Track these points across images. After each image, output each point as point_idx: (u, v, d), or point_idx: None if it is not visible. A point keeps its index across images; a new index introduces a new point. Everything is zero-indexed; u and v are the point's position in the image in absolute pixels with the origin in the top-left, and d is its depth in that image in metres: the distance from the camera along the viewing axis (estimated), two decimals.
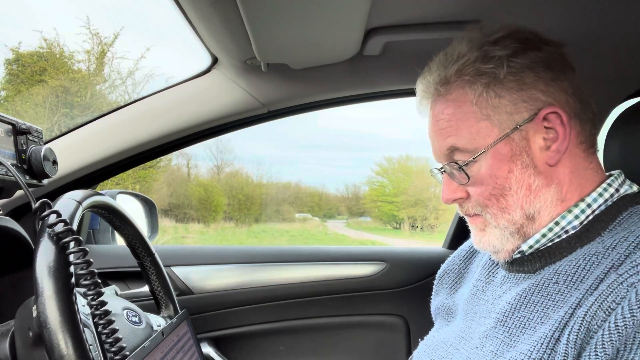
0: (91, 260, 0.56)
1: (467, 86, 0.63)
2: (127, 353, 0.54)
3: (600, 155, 0.76)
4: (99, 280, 0.56)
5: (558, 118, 0.60)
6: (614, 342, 0.47)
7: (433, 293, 0.89)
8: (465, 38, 0.65)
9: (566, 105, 0.61)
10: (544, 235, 0.62)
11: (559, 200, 0.62)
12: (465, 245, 0.88)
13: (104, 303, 0.55)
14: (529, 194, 0.62)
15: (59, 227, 0.55)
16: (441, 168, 0.68)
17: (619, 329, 0.47)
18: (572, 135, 0.61)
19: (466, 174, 0.63)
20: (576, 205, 0.62)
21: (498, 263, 0.72)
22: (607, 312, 0.49)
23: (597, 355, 0.48)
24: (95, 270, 0.55)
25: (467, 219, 0.70)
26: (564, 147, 0.61)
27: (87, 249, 0.56)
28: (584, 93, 0.64)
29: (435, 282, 0.89)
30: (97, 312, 0.55)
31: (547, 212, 0.62)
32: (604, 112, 1.15)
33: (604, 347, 0.48)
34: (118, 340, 0.54)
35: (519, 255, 0.65)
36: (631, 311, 0.47)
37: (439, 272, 0.88)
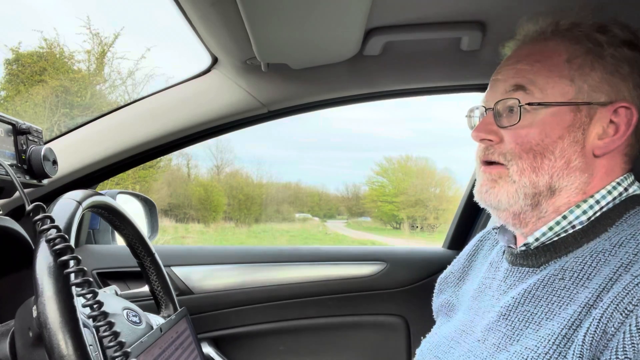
0: (85, 268, 0.55)
1: (571, 42, 0.63)
2: (128, 350, 0.54)
3: None
4: (92, 280, 0.55)
5: (628, 116, 0.60)
6: (636, 345, 0.46)
7: (436, 291, 0.88)
8: (589, 8, 0.64)
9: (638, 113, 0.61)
10: (551, 229, 0.62)
11: (581, 190, 0.62)
12: (469, 245, 0.88)
13: (100, 303, 0.54)
14: (565, 168, 0.61)
15: (52, 233, 0.55)
16: (493, 105, 0.64)
17: None
18: (625, 140, 0.61)
19: (520, 115, 0.61)
20: (585, 201, 0.61)
21: (503, 257, 0.72)
22: (624, 314, 0.49)
23: (617, 358, 0.47)
24: (86, 269, 0.55)
25: (481, 166, 0.67)
26: (616, 145, 0.61)
27: (79, 257, 0.56)
28: None
29: (438, 281, 0.89)
30: (95, 314, 0.54)
31: (567, 194, 0.62)
32: None
33: (625, 350, 0.47)
34: (117, 334, 0.54)
35: (524, 249, 0.65)
36: None
37: (445, 273, 0.88)
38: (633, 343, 0.46)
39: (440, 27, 0.92)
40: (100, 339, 0.53)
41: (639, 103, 0.62)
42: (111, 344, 0.52)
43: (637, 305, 0.48)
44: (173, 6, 0.84)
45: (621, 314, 0.49)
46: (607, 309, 0.50)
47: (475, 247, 0.85)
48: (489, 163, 0.66)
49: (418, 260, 1.45)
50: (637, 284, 0.50)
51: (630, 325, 0.47)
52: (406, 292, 1.42)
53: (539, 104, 0.61)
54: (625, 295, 0.50)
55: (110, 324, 0.54)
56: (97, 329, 0.53)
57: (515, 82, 0.63)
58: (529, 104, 0.61)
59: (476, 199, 0.69)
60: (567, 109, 0.61)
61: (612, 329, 0.49)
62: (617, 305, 0.50)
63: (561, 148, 0.61)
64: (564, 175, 0.61)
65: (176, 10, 0.86)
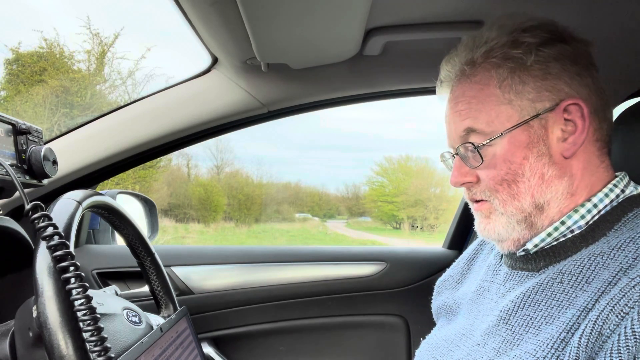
0: (80, 271, 0.55)
1: (493, 69, 0.63)
2: (112, 355, 0.53)
3: None
4: (83, 274, 0.55)
5: (579, 110, 0.61)
6: (630, 348, 0.46)
7: (435, 293, 0.89)
8: (495, 25, 0.65)
9: (588, 100, 0.61)
10: (549, 235, 0.62)
11: (569, 193, 0.62)
12: (469, 249, 0.88)
13: (89, 298, 0.54)
14: (541, 183, 0.62)
15: (49, 231, 0.55)
16: (455, 150, 0.67)
17: (635, 334, 0.46)
18: (589, 131, 0.61)
19: (480, 156, 0.63)
20: (583, 205, 0.62)
21: (502, 261, 0.72)
22: (619, 317, 0.49)
23: None
24: (86, 284, 0.54)
25: (472, 205, 0.69)
26: (581, 140, 0.61)
27: (74, 253, 0.56)
28: (605, 93, 0.64)
29: (437, 284, 0.89)
30: (83, 308, 0.53)
31: (557, 204, 0.62)
32: None
33: (619, 352, 0.47)
34: (104, 339, 0.53)
35: (523, 253, 0.65)
36: None
37: (444, 275, 0.89)
38: (627, 345, 0.46)
39: (440, 27, 0.92)
40: (88, 342, 0.52)
41: (583, 90, 0.62)
42: (96, 348, 0.52)
43: (632, 308, 0.48)
44: (173, 6, 0.84)
45: (617, 316, 0.49)
46: (602, 311, 0.50)
47: (475, 251, 0.86)
48: (478, 201, 0.68)
49: (418, 260, 1.45)
50: (633, 287, 0.50)
51: (625, 327, 0.47)
52: (406, 292, 1.42)
53: (490, 140, 0.62)
54: (621, 298, 0.50)
55: (99, 329, 0.53)
56: (85, 332, 0.52)
57: (463, 127, 0.65)
58: (483, 144, 0.63)
59: (479, 236, 0.70)
60: (519, 130, 0.62)
61: (608, 331, 0.49)
62: (613, 307, 0.50)
63: (530, 167, 0.61)
64: (544, 190, 0.62)
65: (176, 10, 0.86)
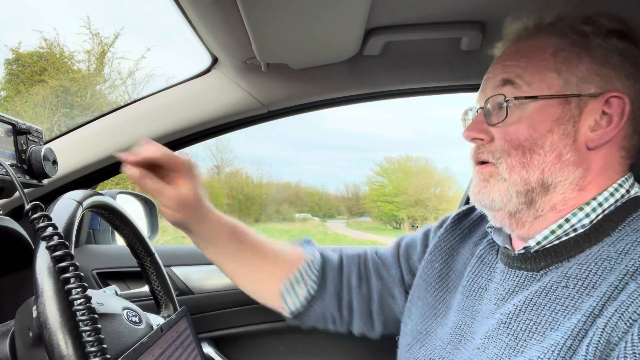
0: (79, 270, 0.55)
1: (556, 36, 0.62)
2: (108, 356, 0.53)
3: None
4: (82, 274, 0.55)
5: (620, 106, 0.59)
6: (637, 356, 0.45)
7: (428, 260, 0.81)
8: (574, 2, 0.63)
9: (634, 103, 0.60)
10: (552, 232, 0.60)
11: (577, 186, 0.60)
12: (452, 220, 0.83)
13: (88, 297, 0.54)
14: (556, 162, 0.60)
15: (49, 231, 0.55)
16: (486, 100, 0.64)
17: None
18: (620, 132, 0.60)
19: (507, 111, 0.61)
20: (588, 204, 0.60)
21: (497, 258, 0.70)
22: (628, 324, 0.47)
23: None
24: (85, 285, 0.54)
25: (473, 167, 0.67)
26: (609, 136, 0.59)
27: (73, 253, 0.56)
28: None
29: (430, 251, 0.82)
30: (81, 307, 0.53)
31: (562, 191, 0.60)
32: None
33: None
34: (101, 340, 0.53)
35: (523, 252, 0.63)
36: None
37: (433, 245, 0.82)
38: (634, 352, 0.45)
39: (440, 27, 0.92)
40: (85, 343, 0.52)
41: (633, 93, 0.60)
42: (92, 348, 0.52)
43: None
44: (173, 6, 0.84)
45: (625, 323, 0.47)
46: (611, 317, 0.49)
47: (464, 227, 0.81)
48: (482, 163, 0.65)
49: None
50: None
51: (632, 334, 0.46)
52: None
53: (525, 97, 0.60)
54: (630, 304, 0.48)
55: (97, 329, 0.53)
56: (83, 332, 0.52)
57: (503, 77, 0.63)
58: (515, 98, 0.61)
59: (471, 201, 0.68)
60: (555, 101, 0.60)
61: (616, 338, 0.48)
62: (622, 314, 0.48)
63: (551, 142, 0.59)
64: (556, 170, 0.60)
65: (176, 10, 0.86)
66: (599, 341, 0.48)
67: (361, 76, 1.14)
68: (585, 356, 0.49)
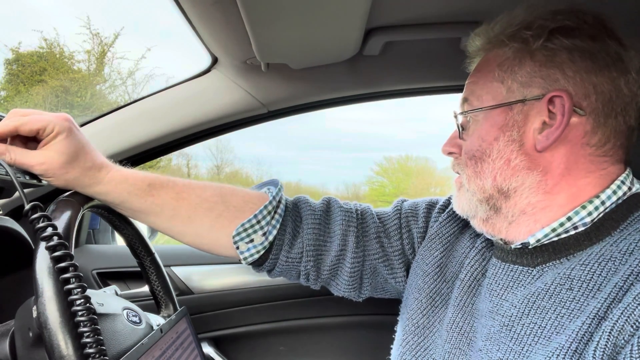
0: (79, 271, 0.55)
1: (501, 47, 0.64)
2: (106, 358, 0.53)
3: None
4: (82, 274, 0.55)
5: (562, 103, 0.58)
6: None
7: (426, 247, 0.79)
8: (527, 3, 0.63)
9: (584, 99, 0.58)
10: (553, 230, 0.59)
11: (540, 189, 0.60)
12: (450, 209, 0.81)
13: (88, 298, 0.54)
14: (506, 168, 0.61)
15: (48, 231, 0.55)
16: (455, 118, 0.69)
17: None
18: (575, 131, 0.58)
19: (468, 126, 0.65)
20: (590, 202, 0.58)
21: (490, 250, 0.69)
22: (635, 327, 0.47)
23: None
24: (85, 285, 0.54)
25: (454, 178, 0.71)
26: (555, 136, 0.58)
27: (72, 253, 0.56)
28: (625, 104, 0.59)
29: (429, 237, 0.80)
30: (80, 308, 0.53)
31: (525, 195, 0.60)
32: None
33: None
34: (100, 342, 0.53)
35: (520, 246, 0.62)
36: None
37: (433, 230, 0.80)
38: None
39: (440, 27, 0.92)
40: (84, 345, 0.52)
41: (581, 88, 0.58)
42: (90, 350, 0.52)
43: None
44: (173, 6, 0.84)
45: (632, 326, 0.47)
46: (617, 320, 0.48)
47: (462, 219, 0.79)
48: (457, 174, 0.69)
49: None
50: None
51: (638, 337, 0.46)
52: None
53: (471, 110, 0.63)
54: (637, 307, 0.48)
55: (96, 330, 0.53)
56: (82, 334, 0.52)
57: (463, 96, 0.67)
58: (462, 113, 0.64)
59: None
60: (498, 110, 0.61)
61: (622, 341, 0.47)
62: (628, 317, 0.48)
63: (497, 149, 0.61)
64: (508, 177, 0.61)
65: (176, 10, 0.86)
66: (606, 345, 0.48)
67: (361, 76, 1.14)
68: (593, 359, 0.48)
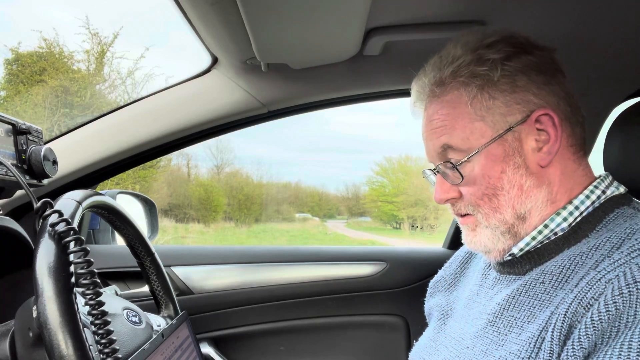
0: (92, 260, 0.56)
1: (461, 87, 0.64)
2: (120, 356, 0.54)
3: (600, 155, 0.76)
4: (99, 281, 0.56)
5: (550, 120, 0.62)
6: (590, 337, 0.49)
7: (427, 295, 0.90)
8: (460, 42, 0.66)
9: (557, 108, 0.63)
10: (534, 238, 0.64)
11: (549, 201, 0.63)
12: (461, 251, 0.88)
13: (101, 303, 0.55)
14: (520, 194, 0.63)
15: (61, 227, 0.55)
16: (435, 168, 0.69)
17: (594, 324, 0.49)
18: (563, 138, 0.63)
19: (460, 173, 0.64)
20: (564, 208, 0.63)
21: (491, 265, 0.73)
22: (586, 308, 0.51)
23: (574, 349, 0.50)
24: (95, 270, 0.55)
25: (458, 219, 0.70)
26: (555, 148, 0.62)
27: (88, 248, 0.56)
28: (573, 97, 0.65)
29: (430, 284, 0.90)
30: (95, 312, 0.55)
31: (538, 212, 0.64)
32: (604, 112, 1.15)
33: (581, 342, 0.50)
34: (112, 342, 0.54)
35: (509, 258, 0.67)
36: (606, 306, 0.49)
37: (436, 277, 0.89)
38: (587, 334, 0.49)
39: (440, 27, 0.92)
40: (95, 340, 0.53)
41: (552, 99, 0.63)
42: (106, 350, 0.52)
43: (597, 299, 0.51)
44: (173, 6, 0.84)
45: (584, 308, 0.51)
46: (571, 304, 0.52)
47: (468, 254, 0.86)
48: (463, 215, 0.69)
49: (418, 260, 1.45)
50: (599, 279, 0.52)
51: (587, 317, 0.50)
52: (406, 292, 1.42)
53: (467, 157, 0.63)
54: (588, 290, 0.52)
55: (107, 324, 0.54)
56: (93, 326, 0.53)
57: (440, 143, 0.66)
58: (460, 163, 0.64)
59: (467, 247, 0.72)
60: (494, 145, 0.63)
61: (576, 322, 0.51)
62: (581, 300, 0.52)
63: (508, 180, 0.63)
64: (524, 201, 0.63)
65: (176, 10, 0.86)
66: (562, 326, 0.52)
67: (361, 76, 1.14)
68: (552, 341, 0.52)
